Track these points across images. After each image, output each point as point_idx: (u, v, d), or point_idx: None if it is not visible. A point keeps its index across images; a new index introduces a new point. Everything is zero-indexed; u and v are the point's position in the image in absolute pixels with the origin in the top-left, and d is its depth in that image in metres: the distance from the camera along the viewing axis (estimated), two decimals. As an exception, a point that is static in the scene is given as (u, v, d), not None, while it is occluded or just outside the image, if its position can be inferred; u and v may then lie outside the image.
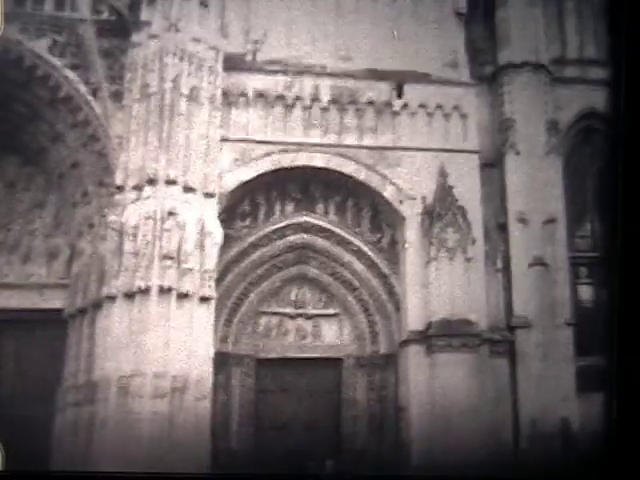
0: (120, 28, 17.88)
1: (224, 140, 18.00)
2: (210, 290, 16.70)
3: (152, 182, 16.73)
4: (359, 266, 19.30)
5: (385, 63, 19.45)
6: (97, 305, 16.74)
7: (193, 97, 17.45)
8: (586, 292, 20.32)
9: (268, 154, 18.35)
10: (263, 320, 19.18)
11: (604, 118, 20.71)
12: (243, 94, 18.54)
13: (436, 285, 18.24)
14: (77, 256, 18.06)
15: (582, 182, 20.83)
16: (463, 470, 15.82)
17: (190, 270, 16.44)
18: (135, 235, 16.38)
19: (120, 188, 16.93)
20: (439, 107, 19.32)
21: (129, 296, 16.02)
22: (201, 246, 16.76)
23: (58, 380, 17.23)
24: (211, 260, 16.91)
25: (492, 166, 19.85)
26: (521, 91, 20.00)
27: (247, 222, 18.91)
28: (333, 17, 19.67)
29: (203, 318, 16.52)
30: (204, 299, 16.56)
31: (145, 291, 15.96)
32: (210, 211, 17.21)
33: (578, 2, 21.86)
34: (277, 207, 19.10)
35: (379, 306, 19.30)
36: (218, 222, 17.27)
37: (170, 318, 15.99)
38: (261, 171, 18.32)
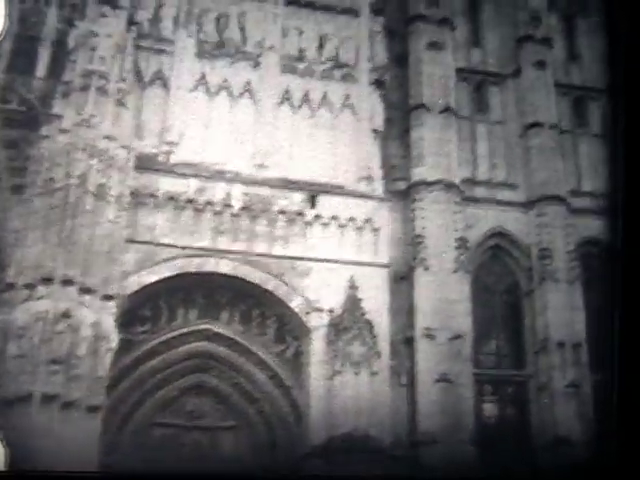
0: (29, 119, 17.42)
1: (129, 241, 17.49)
2: (99, 399, 15.77)
3: (47, 281, 15.91)
4: (261, 377, 18.68)
5: (300, 173, 19.55)
6: (-30, 413, 15.52)
7: (100, 195, 16.96)
8: (490, 409, 20.25)
9: (174, 258, 17.87)
10: (157, 432, 18.16)
11: (511, 238, 21.41)
12: (153, 195, 18.17)
13: (340, 399, 17.80)
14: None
15: (489, 299, 21.10)
16: None
17: (79, 376, 15.51)
18: (22, 336, 15.41)
19: (11, 285, 16.03)
20: (351, 219, 19.43)
21: (8, 404, 14.91)
22: (94, 351, 15.92)
23: None
24: (104, 366, 16.06)
25: (401, 280, 19.88)
26: (432, 208, 20.32)
27: (147, 327, 18.13)
28: (251, 124, 19.77)
29: (90, 429, 15.51)
30: (92, 408, 15.59)
31: (26, 398, 14.91)
32: (107, 314, 16.45)
33: (490, 127, 22.81)
34: (180, 313, 18.43)
35: (280, 419, 18.63)
36: (115, 326, 16.52)
37: (52, 429, 14.92)
38: (165, 275, 17.78)
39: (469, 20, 23.96)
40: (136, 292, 17.48)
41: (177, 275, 17.91)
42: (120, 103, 17.87)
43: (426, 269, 19.75)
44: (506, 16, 24.10)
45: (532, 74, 23.00)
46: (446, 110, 21.38)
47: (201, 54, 19.95)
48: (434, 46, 22.02)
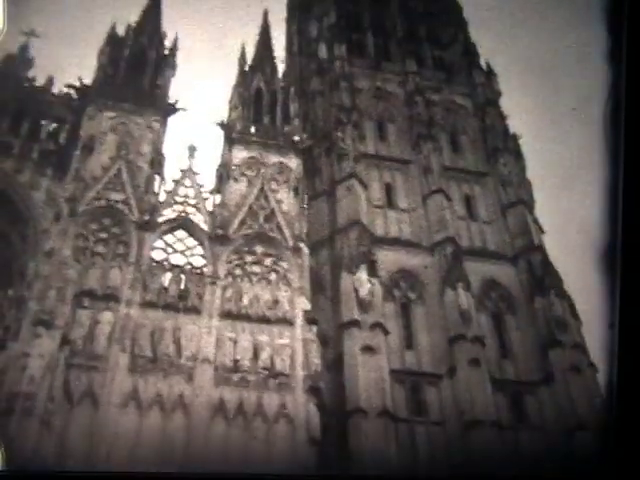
0: None
1: None
2: None
3: None
4: None
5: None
6: None
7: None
8: None
9: None
10: None
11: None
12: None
13: None
14: None
15: None
16: None
17: None
18: None
19: None
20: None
21: None
22: None
23: None
24: None
25: None
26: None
27: None
28: (183, 436, 19.26)
29: None
30: None
31: None
32: None
33: (429, 427, 22.61)
34: None
35: None
36: None
37: None
38: None
39: (401, 323, 24.95)
40: None
41: None
42: (45, 423, 17.36)
43: None
44: (437, 317, 25.19)
45: (467, 372, 23.41)
46: (383, 413, 21.30)
47: (134, 369, 19.98)
48: (368, 350, 22.61)
